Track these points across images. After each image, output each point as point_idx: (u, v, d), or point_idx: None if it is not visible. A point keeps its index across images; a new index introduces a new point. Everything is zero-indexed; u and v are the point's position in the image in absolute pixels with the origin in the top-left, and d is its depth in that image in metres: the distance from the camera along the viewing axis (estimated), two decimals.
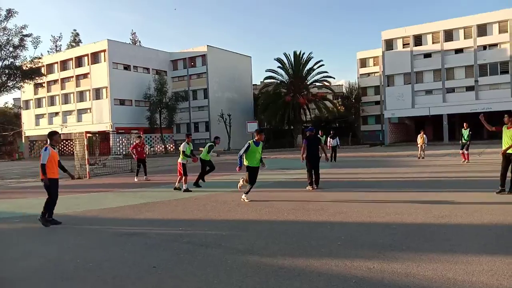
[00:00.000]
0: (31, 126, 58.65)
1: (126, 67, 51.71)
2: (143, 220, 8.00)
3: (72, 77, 53.95)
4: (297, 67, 51.98)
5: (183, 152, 12.04)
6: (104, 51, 49.87)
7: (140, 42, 73.05)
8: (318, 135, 19.55)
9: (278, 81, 53.35)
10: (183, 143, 12.27)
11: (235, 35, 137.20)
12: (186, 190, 11.73)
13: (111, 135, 34.41)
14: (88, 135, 20.81)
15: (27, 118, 59.54)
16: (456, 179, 12.55)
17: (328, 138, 20.34)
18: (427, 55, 46.94)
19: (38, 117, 58.51)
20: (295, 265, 4.75)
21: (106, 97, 49.97)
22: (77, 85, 53.50)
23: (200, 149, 14.04)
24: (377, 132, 56.72)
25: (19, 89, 35.45)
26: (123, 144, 33.22)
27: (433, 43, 46.47)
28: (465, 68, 44.94)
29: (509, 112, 8.97)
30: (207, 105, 53.93)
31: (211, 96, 54.00)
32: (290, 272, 4.51)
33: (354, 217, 7.33)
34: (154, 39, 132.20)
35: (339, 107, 58.94)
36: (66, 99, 55.35)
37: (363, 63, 61.35)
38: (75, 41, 72.56)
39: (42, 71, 42.83)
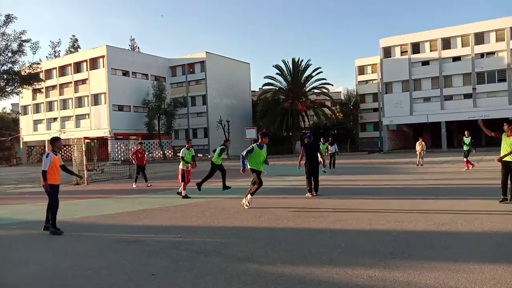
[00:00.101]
0: (29, 132, 58.52)
1: (125, 73, 51.76)
2: (141, 227, 7.94)
3: (71, 82, 53.96)
4: (295, 74, 52.15)
5: (182, 158, 11.99)
6: (103, 57, 49.95)
7: (139, 48, 73.30)
8: (320, 143, 19.54)
9: (277, 88, 53.48)
10: (183, 149, 12.21)
11: (234, 42, 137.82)
12: (185, 197, 11.67)
13: (109, 141, 34.40)
14: (87, 141, 20.74)
15: (25, 124, 59.43)
16: (455, 186, 12.53)
17: (327, 145, 20.33)
18: (425, 63, 47.15)
19: (36, 122, 58.42)
20: (296, 273, 4.70)
21: (105, 103, 49.95)
22: (76, 90, 53.49)
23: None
24: (375, 139, 56.80)
25: (17, 94, 35.42)
26: (122, 150, 33.19)
27: (431, 51, 46.71)
28: (463, 76, 45.14)
29: (509, 120, 8.97)
30: (206, 111, 53.96)
31: (209, 102, 54.06)
32: (291, 280, 4.47)
33: (354, 224, 7.29)
34: (153, 46, 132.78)
35: (338, 114, 59.06)
36: (64, 104, 55.30)
37: (361, 70, 61.57)
38: (74, 47, 72.68)
39: (41, 76, 42.79)
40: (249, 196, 9.33)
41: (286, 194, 12.24)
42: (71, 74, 53.87)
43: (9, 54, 30.24)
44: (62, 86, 55.27)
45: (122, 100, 50.71)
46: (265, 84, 55.18)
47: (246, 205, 9.35)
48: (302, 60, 52.08)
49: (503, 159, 8.69)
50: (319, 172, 11.77)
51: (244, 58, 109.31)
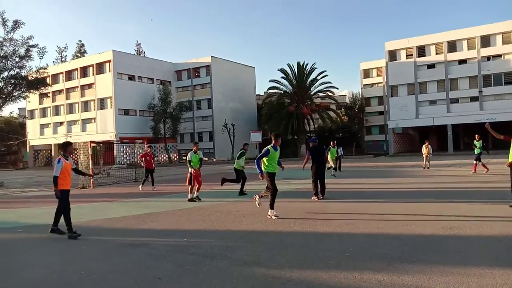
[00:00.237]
0: (36, 136, 58.91)
1: (131, 78, 52.02)
2: (147, 231, 7.92)
3: (77, 87, 54.33)
4: (300, 77, 52.16)
5: (189, 162, 11.95)
6: (109, 61, 50.28)
7: (144, 52, 73.68)
8: (330, 146, 19.49)
9: (282, 92, 53.52)
10: (190, 153, 12.15)
11: (239, 46, 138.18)
12: (191, 200, 11.64)
13: (115, 144, 34.50)
14: (93, 144, 20.83)
15: (31, 128, 59.86)
16: (463, 190, 12.40)
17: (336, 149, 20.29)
18: (431, 66, 46.97)
19: (42, 126, 58.82)
20: (303, 277, 4.65)
21: (111, 107, 50.21)
22: (82, 95, 53.84)
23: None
24: (381, 142, 56.58)
25: (24, 99, 35.59)
26: (127, 153, 33.27)
27: (436, 54, 46.54)
28: (469, 78, 44.89)
29: None
30: (211, 115, 54.06)
31: (215, 106, 54.16)
32: (298, 284, 4.41)
33: (361, 228, 7.22)
34: (158, 50, 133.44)
35: (343, 117, 58.96)
36: (70, 109, 55.66)
37: (367, 73, 61.50)
38: (80, 52, 73.24)
39: (47, 81, 43.03)
40: (270, 211, 8.63)
41: (292, 198, 12.16)
42: (77, 78, 54.26)
43: (17, 59, 30.43)
44: (68, 90, 55.67)
45: (128, 104, 50.95)
46: (270, 88, 55.29)
47: (275, 216, 8.48)
48: (307, 64, 52.16)
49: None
50: (328, 176, 11.65)
51: (249, 62, 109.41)
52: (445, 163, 25.89)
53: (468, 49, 44.91)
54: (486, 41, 43.96)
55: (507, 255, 5.33)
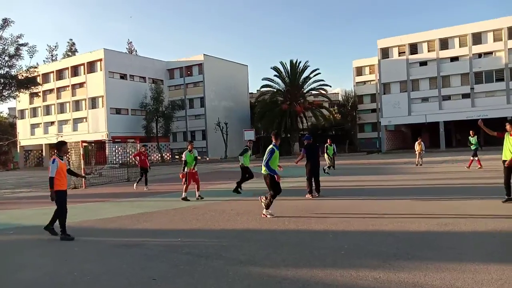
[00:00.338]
0: (26, 136, 58.30)
1: (122, 76, 51.65)
2: (141, 231, 7.84)
3: (68, 86, 53.84)
4: (293, 75, 52.16)
5: (184, 162, 11.86)
6: (100, 60, 49.85)
7: (136, 51, 73.12)
8: (327, 144, 19.57)
9: (275, 90, 53.49)
10: (185, 152, 12.05)
11: (232, 44, 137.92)
12: (185, 199, 11.56)
13: (107, 144, 34.24)
14: (84, 144, 20.63)
15: (22, 128, 59.21)
16: (456, 186, 12.46)
17: (325, 146, 20.26)
18: (423, 63, 47.22)
19: (33, 126, 58.22)
20: (299, 275, 4.62)
21: (102, 106, 49.83)
22: (73, 94, 53.35)
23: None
24: (373, 139, 56.82)
25: (14, 98, 35.28)
26: (119, 153, 33.03)
27: (428, 51, 46.79)
28: (461, 75, 45.21)
29: (510, 119, 8.87)
30: (204, 113, 53.89)
31: (207, 105, 53.99)
32: (294, 283, 4.38)
33: (356, 225, 7.22)
34: (150, 48, 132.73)
35: (336, 115, 59.08)
36: (61, 108, 55.15)
37: (359, 71, 61.65)
38: (71, 51, 72.53)
39: (38, 80, 42.61)
40: (264, 210, 8.44)
41: (286, 196, 12.08)
42: (68, 77, 53.75)
43: (6, 58, 30.14)
44: (59, 89, 55.14)
45: (120, 103, 50.59)
46: (263, 86, 55.26)
47: (270, 214, 8.37)
48: (300, 62, 52.16)
49: (504, 159, 8.59)
50: (321, 174, 11.65)
51: (242, 60, 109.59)
52: (438, 160, 26.04)
53: (460, 47, 45.23)
54: (477, 38, 44.28)
55: (501, 250, 5.36)
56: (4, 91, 30.87)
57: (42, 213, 10.78)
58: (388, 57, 48.96)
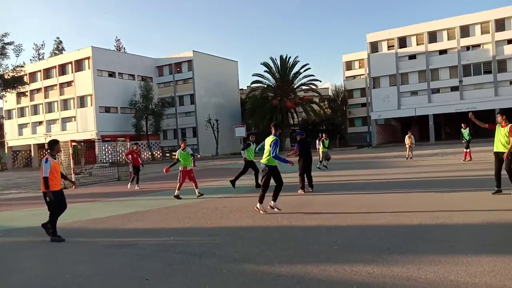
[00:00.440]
0: (14, 136, 57.55)
1: (111, 74, 51.17)
2: (132, 230, 7.76)
3: (56, 85, 53.19)
4: (283, 71, 52.12)
5: (177, 160, 11.77)
6: (88, 58, 49.31)
7: (124, 48, 72.56)
8: (323, 138, 19.51)
9: (265, 85, 53.39)
10: (178, 150, 11.96)
11: (221, 40, 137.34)
12: (177, 197, 11.47)
13: (96, 143, 33.91)
14: (73, 143, 20.40)
15: (9, 128, 58.43)
16: (446, 179, 12.55)
17: (317, 141, 20.25)
18: (412, 57, 47.56)
19: (21, 126, 57.48)
20: (294, 272, 4.60)
21: (91, 105, 49.35)
22: (61, 93, 52.74)
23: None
24: (364, 133, 57.16)
25: (1, 98, 34.75)
26: (109, 152, 32.73)
27: (417, 44, 47.13)
28: (449, 68, 45.64)
29: (500, 111, 8.93)
30: (194, 110, 53.66)
31: (197, 102, 53.75)
32: (289, 280, 4.36)
33: (349, 220, 7.23)
34: (139, 46, 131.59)
35: (326, 110, 59.25)
36: (49, 107, 54.51)
37: (349, 65, 61.87)
38: (58, 49, 71.68)
39: (25, 79, 42.00)
40: (258, 204, 8.39)
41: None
42: (56, 76, 53.10)
43: None
44: (47, 89, 54.48)
45: (109, 102, 50.14)
46: (253, 82, 55.07)
47: (262, 211, 8.29)
48: (290, 57, 52.11)
49: (496, 151, 8.67)
50: (313, 169, 11.66)
51: (232, 56, 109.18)
52: (428, 153, 26.27)
53: (448, 40, 45.63)
54: (465, 31, 44.70)
55: (493, 243, 5.39)
56: None
57: (31, 215, 10.64)
58: (377, 51, 49.21)
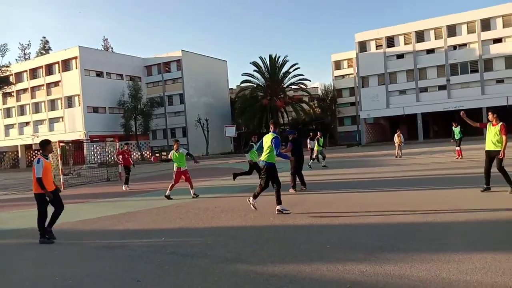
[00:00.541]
0: (1, 137, 56.68)
1: (99, 74, 50.65)
2: (123, 231, 7.68)
3: (43, 85, 52.47)
4: (273, 70, 52.21)
5: (169, 159, 11.68)
6: (75, 58, 48.73)
7: (112, 48, 71.97)
8: (318, 137, 19.59)
9: (255, 85, 53.43)
10: (171, 151, 11.84)
11: (210, 40, 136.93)
12: (167, 197, 11.38)
13: (85, 143, 33.60)
14: (61, 144, 20.16)
15: None
16: (436, 177, 12.66)
17: (308, 140, 20.29)
18: (400, 56, 47.96)
19: (7, 127, 56.62)
20: (286, 271, 4.59)
21: (79, 105, 48.79)
22: (48, 93, 52.05)
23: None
24: (353, 132, 57.49)
25: None
26: (98, 152, 32.46)
27: (405, 44, 47.54)
28: (437, 68, 46.13)
29: (491, 109, 9.02)
30: (184, 110, 53.38)
31: (187, 101, 53.48)
32: (282, 279, 4.35)
33: (340, 219, 7.24)
34: (127, 45, 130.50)
35: (316, 109, 59.48)
36: (36, 108, 53.76)
37: (338, 65, 62.16)
38: (45, 49, 70.81)
39: (11, 80, 41.47)
40: (251, 199, 8.48)
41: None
42: (42, 76, 52.38)
43: None
44: (33, 89, 53.72)
45: (97, 102, 49.62)
46: (243, 82, 55.08)
47: (252, 206, 8.44)
48: (279, 57, 52.29)
49: (487, 149, 8.76)
50: (305, 168, 11.69)
51: (221, 56, 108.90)
52: (416, 151, 26.49)
53: (435, 39, 46.11)
54: (452, 30, 45.23)
55: (483, 240, 5.44)
56: None
57: (19, 216, 10.48)
58: (365, 51, 49.51)
